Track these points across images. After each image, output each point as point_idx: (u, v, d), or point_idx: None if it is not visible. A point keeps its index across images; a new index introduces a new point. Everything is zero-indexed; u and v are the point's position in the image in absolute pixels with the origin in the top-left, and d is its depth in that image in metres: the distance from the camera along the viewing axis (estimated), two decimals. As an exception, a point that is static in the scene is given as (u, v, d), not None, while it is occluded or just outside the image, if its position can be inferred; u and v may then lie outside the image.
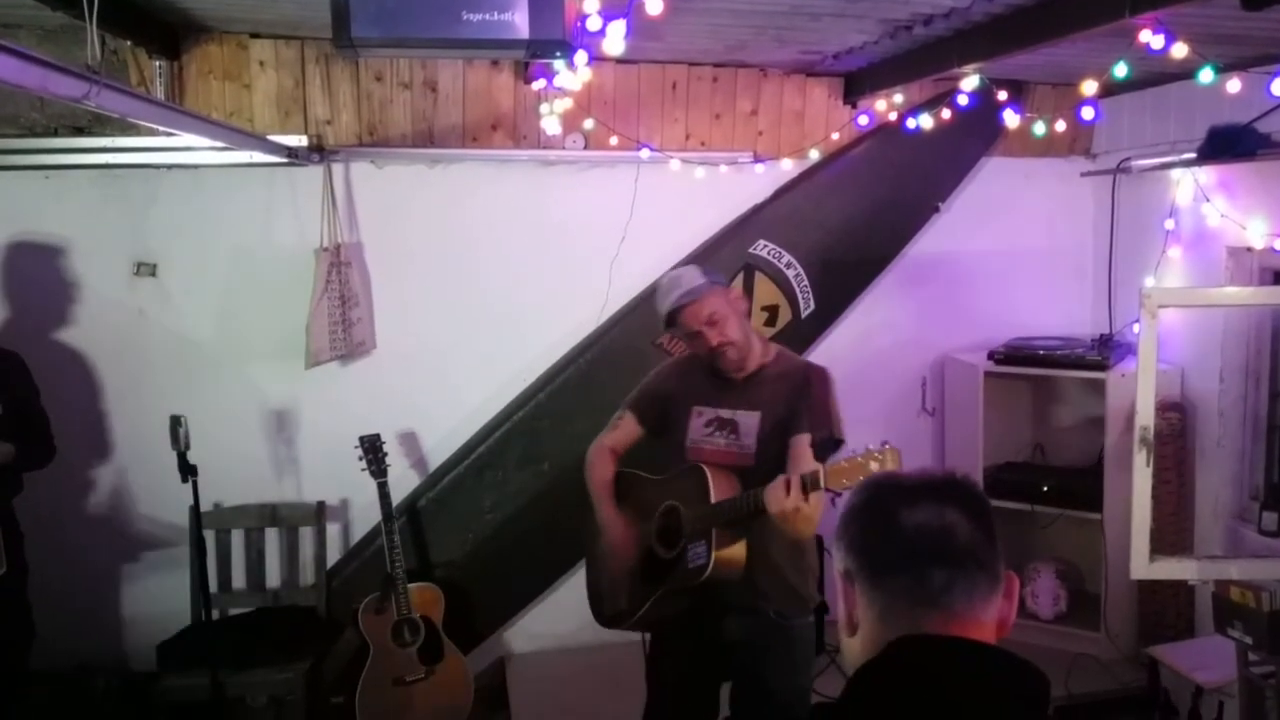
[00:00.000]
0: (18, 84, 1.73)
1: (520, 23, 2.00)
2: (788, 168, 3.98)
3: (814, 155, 3.96)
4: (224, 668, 3.13)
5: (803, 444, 2.19)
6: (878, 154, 3.98)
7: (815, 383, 2.32)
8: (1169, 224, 3.76)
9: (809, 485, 2.04)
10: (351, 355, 3.69)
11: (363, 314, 3.69)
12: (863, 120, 3.92)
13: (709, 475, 2.31)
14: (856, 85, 3.91)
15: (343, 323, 3.62)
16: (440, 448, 3.85)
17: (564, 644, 3.88)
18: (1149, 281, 3.80)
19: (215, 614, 3.41)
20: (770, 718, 2.40)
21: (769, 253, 3.89)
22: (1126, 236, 4.10)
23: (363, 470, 3.44)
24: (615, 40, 2.19)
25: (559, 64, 2.68)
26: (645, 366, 3.44)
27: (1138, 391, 2.95)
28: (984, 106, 3.50)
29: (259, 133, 3.43)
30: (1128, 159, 3.94)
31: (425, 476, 3.83)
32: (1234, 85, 3.00)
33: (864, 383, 3.76)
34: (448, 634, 3.44)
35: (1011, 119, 3.47)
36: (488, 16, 1.99)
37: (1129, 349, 3.82)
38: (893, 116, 3.86)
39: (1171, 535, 3.61)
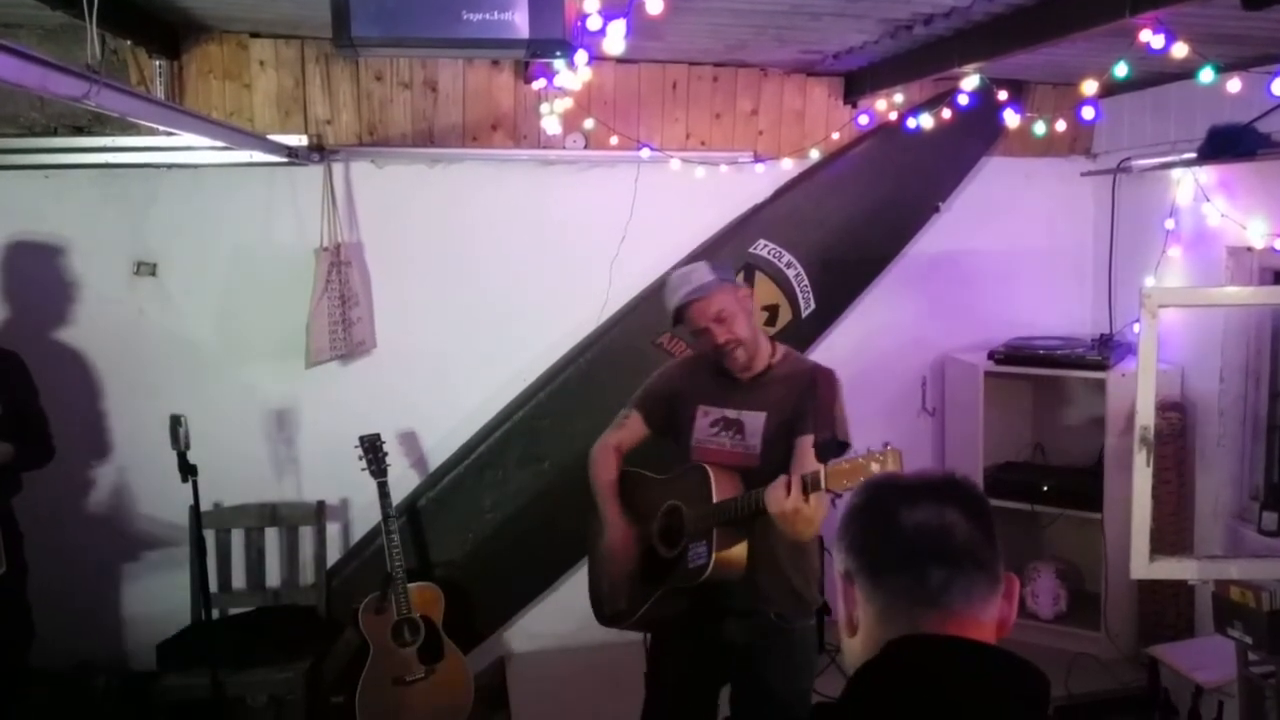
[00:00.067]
0: (18, 83, 1.73)
1: (520, 22, 1.99)
2: (788, 167, 3.98)
3: (814, 155, 3.96)
4: (224, 667, 3.13)
5: (807, 445, 2.18)
6: (878, 154, 3.98)
7: (821, 384, 2.30)
8: (1169, 224, 3.76)
9: (809, 486, 2.04)
10: (351, 355, 3.69)
11: (363, 313, 3.69)
12: (863, 120, 3.92)
13: (711, 475, 2.31)
14: (857, 85, 3.91)
15: (343, 322, 3.62)
16: (440, 447, 3.85)
17: (564, 644, 3.88)
18: (1149, 281, 3.80)
19: (215, 613, 3.41)
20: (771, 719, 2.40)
21: (769, 252, 3.89)
22: (1127, 236, 4.10)
23: (363, 470, 3.44)
24: (615, 40, 2.19)
25: (559, 64, 2.68)
26: (645, 366, 3.44)
27: (1138, 391, 2.95)
28: (984, 106, 3.50)
29: (259, 132, 3.43)
30: (1128, 159, 3.94)
31: (425, 476, 3.83)
32: (1234, 85, 3.00)
33: (864, 382, 3.76)
34: (448, 634, 3.44)
35: (1012, 119, 3.47)
36: (488, 16, 1.98)
37: (1129, 349, 3.82)
38: (893, 116, 3.86)
39: (1171, 535, 3.61)
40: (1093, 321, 4.25)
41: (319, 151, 3.58)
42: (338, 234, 3.64)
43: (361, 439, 3.46)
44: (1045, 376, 4.03)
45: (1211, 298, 3.41)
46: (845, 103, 4.00)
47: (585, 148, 3.79)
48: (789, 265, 3.90)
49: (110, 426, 3.62)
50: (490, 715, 3.67)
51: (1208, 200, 3.56)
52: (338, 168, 3.66)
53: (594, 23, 2.16)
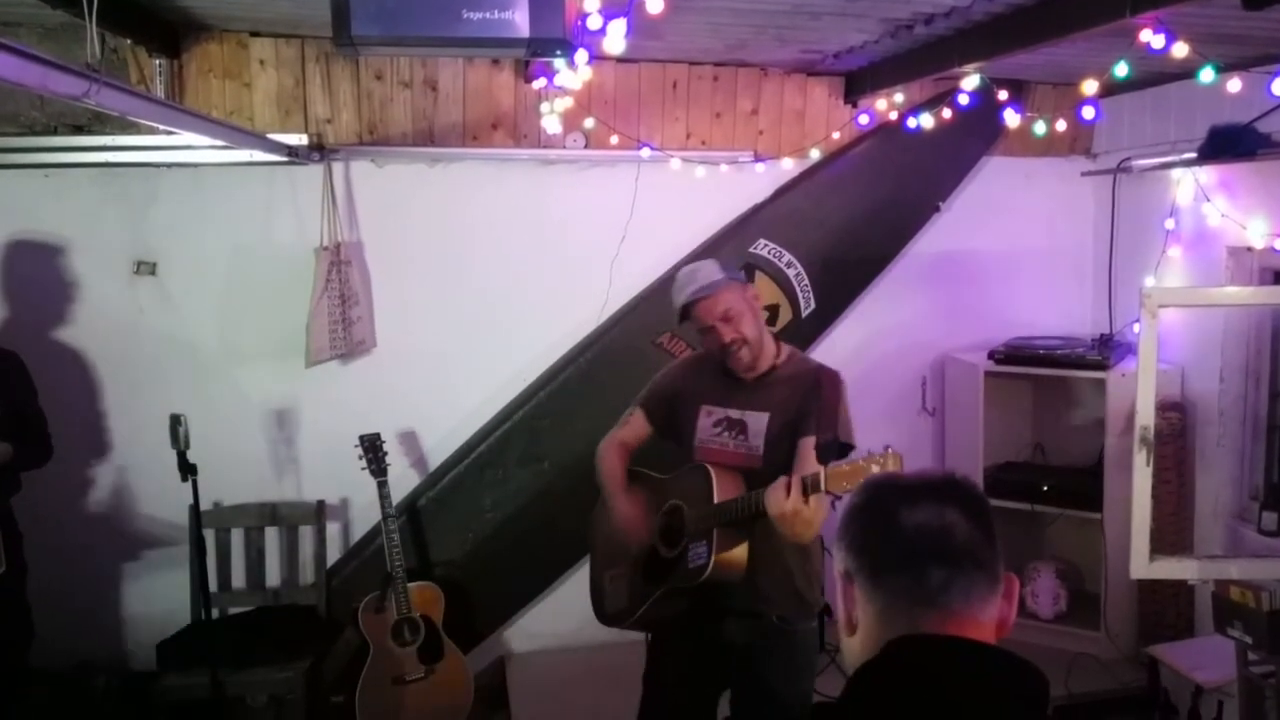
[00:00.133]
0: (18, 82, 1.72)
1: (521, 21, 1.99)
2: (788, 167, 3.98)
3: (814, 154, 3.96)
4: (224, 667, 3.13)
5: (809, 446, 2.17)
6: (878, 153, 3.98)
7: (825, 385, 2.29)
8: (1169, 224, 3.76)
9: (809, 488, 2.03)
10: (351, 354, 3.69)
11: (363, 313, 3.68)
12: (863, 119, 3.92)
13: (713, 475, 2.30)
14: (857, 84, 3.91)
15: (343, 321, 3.62)
16: (440, 447, 3.85)
17: (564, 643, 3.88)
18: (1149, 281, 3.80)
19: (215, 613, 3.42)
20: None
21: (769, 252, 3.89)
22: (1127, 236, 4.10)
23: (363, 469, 3.44)
24: (615, 39, 2.19)
25: (559, 63, 2.67)
26: (645, 366, 3.45)
27: (1138, 391, 2.95)
28: (984, 106, 3.50)
29: (259, 131, 3.43)
30: (1128, 159, 3.94)
31: (425, 475, 3.83)
32: (1234, 85, 3.00)
33: (864, 382, 3.75)
34: (448, 633, 3.44)
35: (1012, 118, 3.47)
36: (488, 15, 1.98)
37: (1129, 349, 3.82)
38: (893, 116, 3.86)
39: (1171, 535, 3.62)
40: (1093, 321, 4.25)
41: (319, 151, 3.58)
42: (338, 233, 3.64)
43: (361, 438, 3.46)
44: (1045, 376, 4.03)
45: (1211, 298, 3.41)
46: (845, 102, 4.00)
47: (585, 147, 3.79)
48: (789, 265, 3.90)
49: (110, 426, 3.62)
50: (490, 715, 3.67)
51: (1208, 200, 3.56)
52: (338, 167, 3.66)
53: (594, 22, 2.16)
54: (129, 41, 3.25)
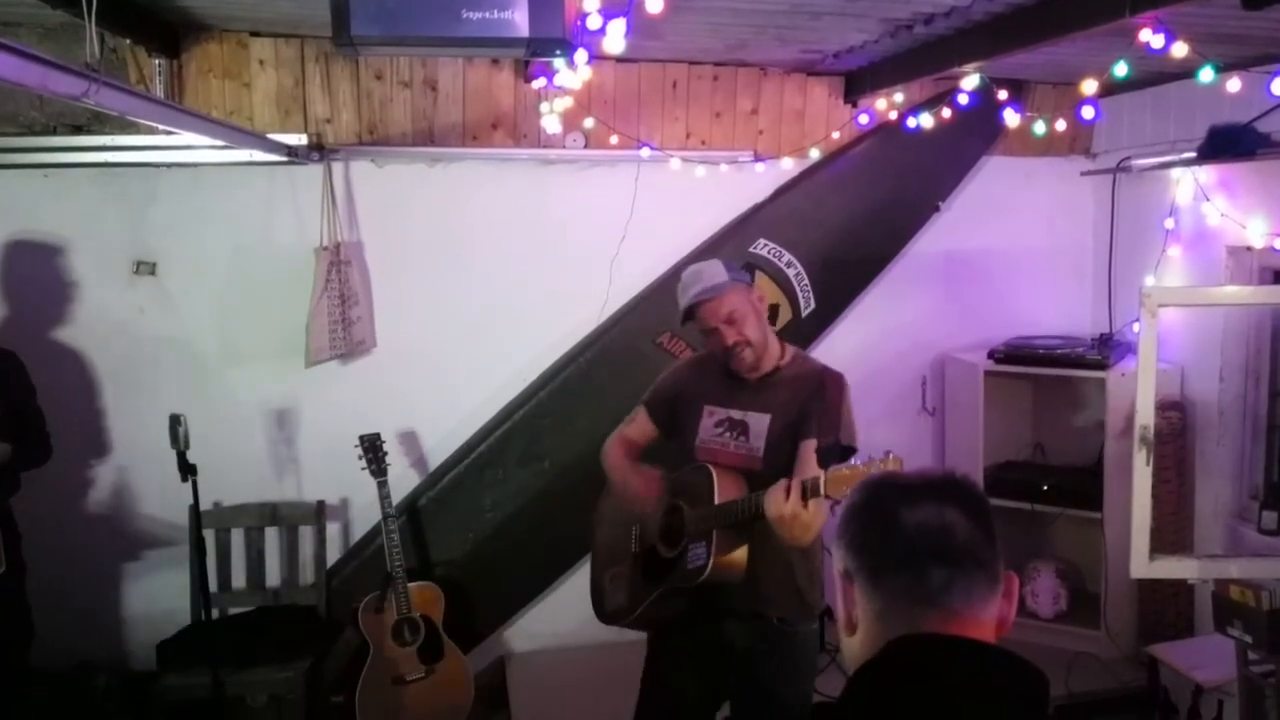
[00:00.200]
0: (17, 82, 1.72)
1: (520, 21, 1.99)
2: (788, 167, 3.98)
3: (814, 154, 3.96)
4: (224, 667, 3.13)
5: (811, 449, 2.16)
6: (878, 153, 3.98)
7: (829, 388, 2.28)
8: (1169, 223, 3.76)
9: (808, 492, 2.02)
10: (351, 354, 3.69)
11: (362, 313, 3.68)
12: (863, 119, 3.92)
13: (714, 475, 2.29)
14: (857, 84, 3.91)
15: (342, 321, 3.62)
16: (440, 447, 3.85)
17: (564, 643, 3.88)
18: (1149, 280, 3.80)
19: (215, 613, 3.42)
20: None
21: (769, 251, 3.89)
22: (1126, 236, 4.10)
23: (363, 469, 3.44)
24: (615, 39, 2.18)
25: (559, 62, 2.67)
26: (645, 366, 3.46)
27: (1138, 390, 2.95)
28: (984, 106, 3.49)
29: (259, 131, 3.43)
30: (1128, 158, 3.94)
31: (425, 475, 3.83)
32: (1234, 84, 3.00)
33: (864, 382, 3.74)
34: (448, 633, 3.44)
35: (1012, 118, 3.47)
36: (487, 15, 1.98)
37: (1129, 348, 3.83)
38: (893, 115, 3.86)
39: (1171, 534, 3.62)
40: (1093, 321, 4.25)
41: (319, 150, 3.58)
42: (337, 233, 3.64)
43: (361, 438, 3.46)
44: (1045, 376, 4.03)
45: (1211, 297, 3.41)
46: (845, 102, 4.00)
47: (585, 147, 3.79)
48: (789, 264, 3.90)
49: (110, 426, 3.62)
50: (490, 715, 3.67)
51: (1207, 200, 3.56)
52: (337, 167, 3.66)
53: (594, 22, 2.15)
54: (128, 41, 3.25)
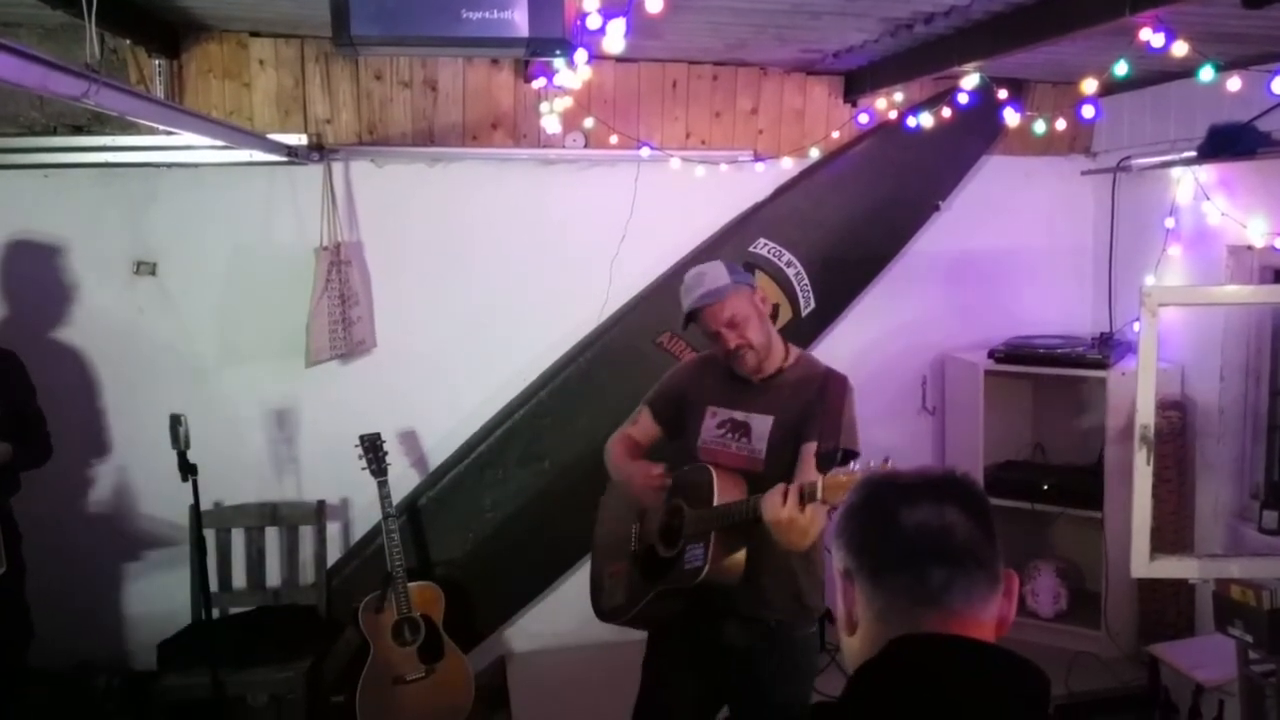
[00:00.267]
0: (18, 82, 1.73)
1: (520, 21, 1.99)
2: (788, 166, 3.98)
3: (814, 154, 3.96)
4: (224, 667, 3.13)
5: (812, 453, 2.14)
6: (878, 152, 3.98)
7: (831, 391, 2.26)
8: (1169, 222, 3.76)
9: (806, 496, 2.00)
10: (351, 354, 3.69)
11: (363, 313, 3.68)
12: (863, 119, 3.92)
13: (714, 477, 2.29)
14: (857, 83, 3.91)
15: (343, 321, 3.62)
16: (440, 446, 3.85)
17: (564, 643, 3.88)
18: (1149, 280, 3.80)
19: (216, 613, 3.42)
20: None
21: (769, 251, 3.89)
22: (1127, 235, 4.10)
23: (363, 469, 3.44)
24: (615, 38, 2.18)
25: (559, 62, 2.67)
26: (646, 365, 3.46)
27: (1138, 390, 2.95)
28: (984, 105, 3.49)
29: (259, 131, 3.43)
30: (1128, 157, 3.94)
31: (425, 475, 3.83)
32: (1234, 83, 3.00)
33: (864, 381, 3.72)
34: (448, 633, 3.44)
35: (1012, 117, 3.47)
36: (487, 15, 1.98)
37: (1129, 347, 3.82)
38: (893, 115, 3.85)
39: (1172, 534, 3.61)
40: (1093, 320, 4.25)
41: (319, 150, 3.58)
42: (338, 233, 3.64)
43: (362, 438, 3.46)
44: (1045, 375, 4.03)
45: (1212, 296, 3.40)
46: (845, 101, 4.00)
47: (585, 147, 3.79)
48: (789, 264, 3.90)
49: (110, 426, 3.62)
50: (490, 715, 3.67)
51: (1208, 199, 3.56)
52: (337, 167, 3.66)
53: (593, 21, 2.15)
54: (128, 42, 3.25)
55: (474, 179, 3.78)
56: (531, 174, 3.84)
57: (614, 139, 3.76)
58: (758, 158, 3.94)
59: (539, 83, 3.54)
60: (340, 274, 3.61)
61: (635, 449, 2.56)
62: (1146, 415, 2.93)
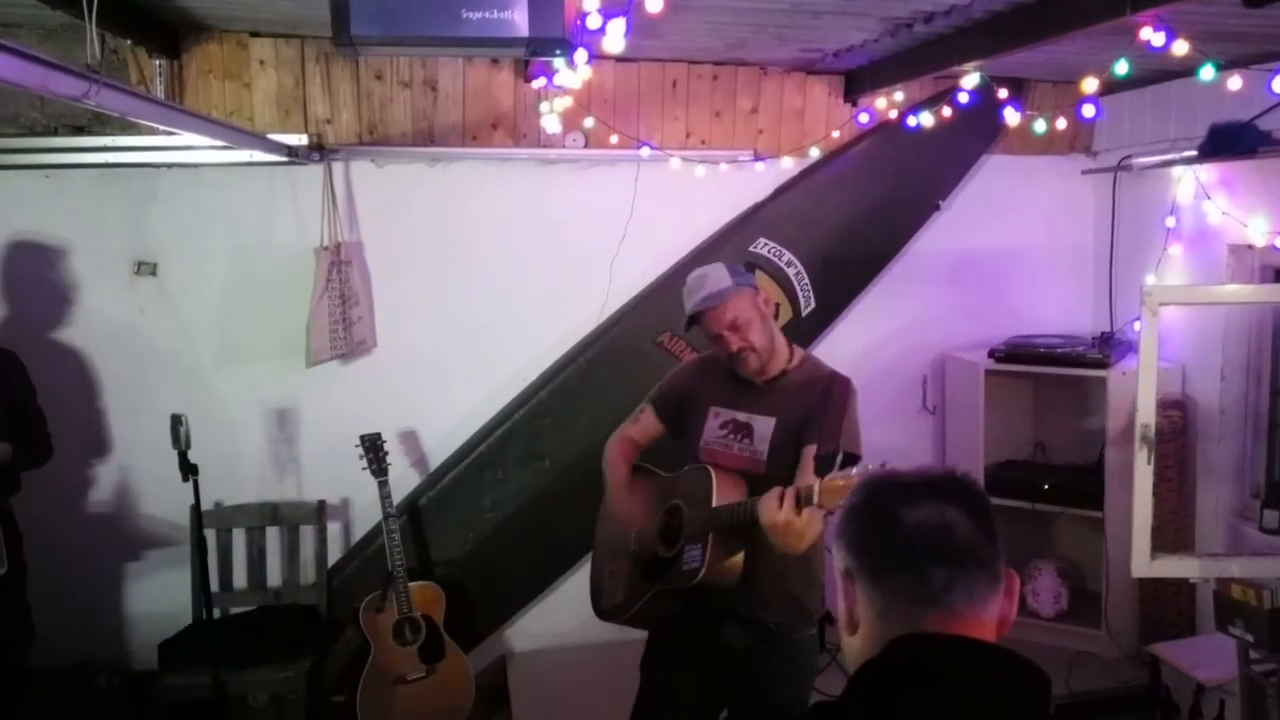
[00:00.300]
0: (18, 83, 1.73)
1: (520, 21, 1.99)
2: (788, 166, 3.98)
3: (814, 153, 3.96)
4: (225, 666, 3.13)
5: (812, 456, 2.13)
6: (878, 152, 3.98)
7: (834, 393, 2.25)
8: (1170, 221, 3.76)
9: (802, 500, 1.99)
10: (352, 354, 3.69)
11: (363, 313, 3.68)
12: (863, 118, 3.92)
13: (713, 478, 2.28)
14: (857, 83, 3.91)
15: (343, 321, 3.62)
16: (441, 446, 3.85)
17: (565, 643, 3.88)
18: (1150, 279, 3.80)
19: (216, 613, 3.42)
20: None
21: (769, 251, 3.89)
22: (1127, 234, 4.09)
23: (363, 469, 3.44)
24: (615, 38, 2.18)
25: (559, 62, 2.67)
26: (646, 365, 3.46)
27: (1139, 389, 2.95)
28: (985, 104, 3.49)
29: (259, 131, 3.43)
30: (1128, 156, 3.94)
31: (426, 475, 3.83)
32: (1235, 82, 3.00)
33: (865, 381, 3.72)
34: (449, 633, 3.44)
35: (1012, 117, 3.47)
36: (487, 15, 1.98)
37: (1130, 347, 3.82)
38: (893, 114, 3.85)
39: (1172, 533, 3.61)
40: (1093, 319, 4.25)
41: (319, 151, 3.58)
42: (338, 233, 3.64)
43: (362, 438, 3.46)
44: (1046, 375, 4.03)
45: (1212, 296, 3.40)
46: (845, 101, 4.00)
47: (585, 146, 3.79)
48: (789, 264, 3.90)
49: (110, 426, 3.62)
50: (491, 714, 3.67)
51: (1208, 198, 3.56)
52: (338, 167, 3.66)
53: (593, 21, 2.15)
54: (129, 42, 3.25)
55: (474, 179, 3.78)
56: (531, 174, 3.84)
57: (614, 139, 3.76)
58: (758, 157, 3.94)
59: (539, 82, 3.54)
60: (340, 274, 3.61)
61: (634, 452, 2.55)
62: (1147, 415, 2.93)
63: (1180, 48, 2.52)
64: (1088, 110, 3.12)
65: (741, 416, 2.38)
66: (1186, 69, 3.00)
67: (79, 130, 3.44)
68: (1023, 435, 4.33)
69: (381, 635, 3.35)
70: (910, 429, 4.24)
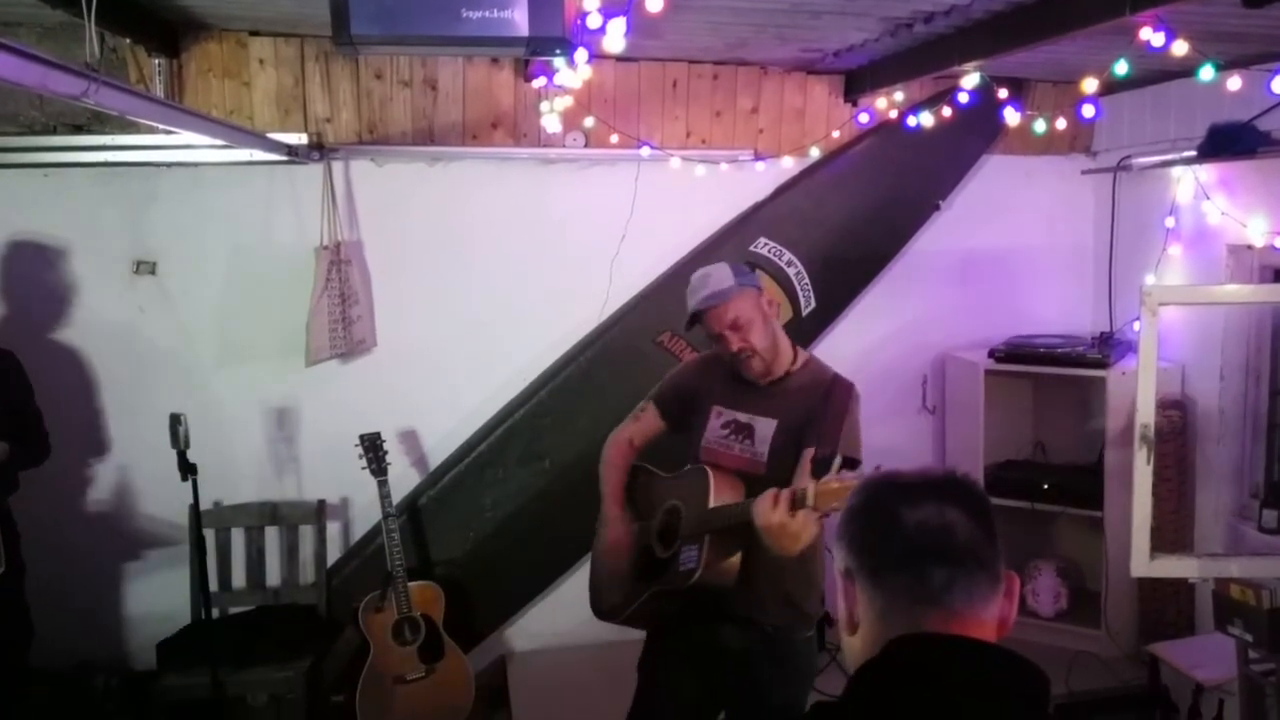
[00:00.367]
0: (17, 82, 1.72)
1: (520, 20, 1.99)
2: (788, 165, 3.98)
3: (814, 153, 3.96)
4: (224, 666, 3.13)
5: (809, 458, 2.11)
6: (878, 152, 3.98)
7: (835, 396, 2.24)
8: (1169, 222, 3.76)
9: (797, 502, 1.97)
10: (351, 353, 3.69)
11: (363, 312, 3.68)
12: (863, 118, 3.92)
13: (711, 478, 2.27)
14: (857, 83, 3.91)
15: (343, 321, 3.62)
16: (441, 446, 3.85)
17: (565, 642, 3.88)
18: (1149, 279, 3.80)
19: (215, 612, 3.42)
20: None
21: (769, 250, 3.89)
22: (1127, 234, 4.09)
23: (363, 469, 3.44)
24: (615, 38, 2.18)
25: (559, 62, 2.67)
26: (646, 365, 3.46)
27: (1138, 389, 2.95)
28: (985, 104, 3.49)
29: (259, 130, 3.43)
30: (1128, 157, 3.94)
31: (426, 475, 3.83)
32: (1234, 83, 3.00)
33: (864, 381, 3.71)
34: (448, 632, 3.44)
35: (1012, 117, 3.47)
36: (487, 14, 1.98)
37: (1129, 347, 3.82)
38: (893, 114, 3.85)
39: (1172, 533, 3.61)
40: (1093, 319, 4.25)
41: (319, 150, 3.58)
42: (338, 232, 3.64)
43: (362, 438, 3.46)
44: (1046, 374, 4.03)
45: (1212, 296, 3.40)
46: (845, 101, 4.00)
47: (585, 146, 3.79)
48: (789, 264, 3.90)
49: (110, 425, 3.62)
50: (491, 714, 3.67)
51: (1208, 198, 3.56)
52: (338, 166, 3.66)
53: (594, 21, 2.15)
54: (128, 41, 3.25)
55: (474, 178, 3.78)
56: (531, 173, 3.84)
57: (614, 138, 3.76)
58: (758, 157, 3.94)
59: (539, 82, 3.54)
60: (340, 273, 3.61)
61: (631, 453, 2.55)
62: (1147, 414, 2.93)
63: (1180, 48, 2.52)
64: (1088, 110, 3.12)
65: (743, 417, 2.37)
66: (1186, 69, 3.00)
67: (78, 129, 3.43)
68: (1023, 435, 4.33)
69: (381, 635, 3.35)
70: (910, 429, 4.24)
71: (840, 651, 1.15)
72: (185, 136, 3.18)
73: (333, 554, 3.73)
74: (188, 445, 2.98)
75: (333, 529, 3.75)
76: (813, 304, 3.94)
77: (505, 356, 3.86)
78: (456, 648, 3.46)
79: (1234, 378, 3.60)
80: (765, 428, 2.32)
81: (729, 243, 3.87)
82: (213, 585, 3.36)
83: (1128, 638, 3.82)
